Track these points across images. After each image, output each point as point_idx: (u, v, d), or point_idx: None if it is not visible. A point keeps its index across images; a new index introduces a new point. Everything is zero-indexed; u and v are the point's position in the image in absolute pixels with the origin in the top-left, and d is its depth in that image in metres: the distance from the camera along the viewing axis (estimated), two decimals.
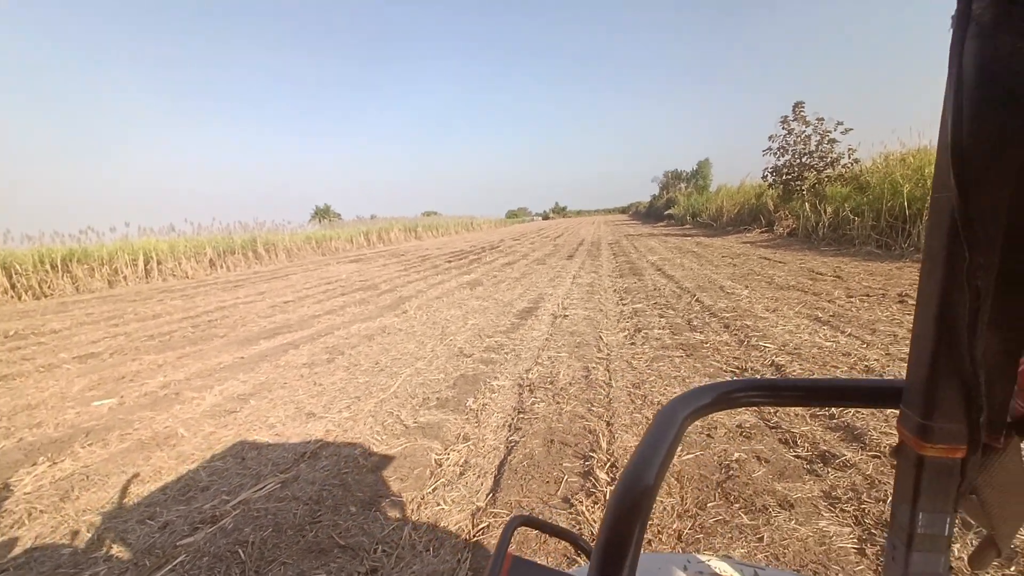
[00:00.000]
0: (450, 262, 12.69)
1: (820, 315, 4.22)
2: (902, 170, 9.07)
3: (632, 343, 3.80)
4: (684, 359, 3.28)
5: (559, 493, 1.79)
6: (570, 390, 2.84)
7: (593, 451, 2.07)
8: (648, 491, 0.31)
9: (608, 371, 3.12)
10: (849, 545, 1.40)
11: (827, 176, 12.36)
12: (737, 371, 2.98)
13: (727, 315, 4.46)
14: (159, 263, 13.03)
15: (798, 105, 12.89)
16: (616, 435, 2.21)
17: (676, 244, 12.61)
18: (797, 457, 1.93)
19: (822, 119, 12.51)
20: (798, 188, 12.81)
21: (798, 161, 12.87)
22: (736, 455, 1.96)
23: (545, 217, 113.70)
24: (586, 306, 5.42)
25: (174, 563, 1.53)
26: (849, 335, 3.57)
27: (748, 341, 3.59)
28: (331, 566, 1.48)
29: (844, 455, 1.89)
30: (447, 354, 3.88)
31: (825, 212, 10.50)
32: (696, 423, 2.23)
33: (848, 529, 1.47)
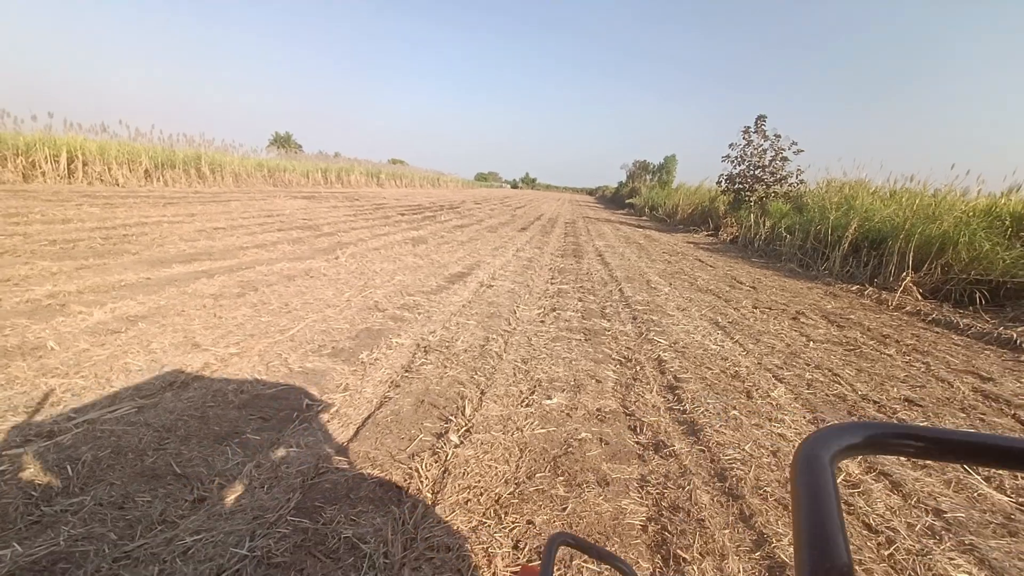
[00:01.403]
0: (403, 215, 12.45)
1: (720, 320, 4.53)
2: (837, 198, 9.65)
3: (542, 321, 3.95)
4: (581, 343, 3.46)
5: (408, 450, 1.90)
6: (462, 356, 2.96)
7: (455, 416, 2.20)
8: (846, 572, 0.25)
9: (505, 344, 3.26)
10: (636, 522, 1.60)
11: (774, 192, 12.94)
12: (623, 360, 3.19)
13: (640, 308, 4.71)
14: (85, 164, 11.98)
15: (760, 119, 13.29)
16: (483, 403, 2.35)
17: (626, 234, 12.92)
18: (636, 443, 2.14)
19: (779, 136, 12.99)
20: (747, 198, 13.36)
21: (751, 172, 13.37)
22: (583, 435, 2.15)
23: (514, 186, 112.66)
24: (516, 280, 5.53)
25: None
26: (736, 341, 3.87)
27: (647, 335, 3.83)
28: (159, 491, 1.53)
29: (674, 445, 2.11)
30: (361, 306, 3.89)
31: (764, 225, 11.06)
32: (562, 406, 2.40)
33: (644, 509, 1.67)
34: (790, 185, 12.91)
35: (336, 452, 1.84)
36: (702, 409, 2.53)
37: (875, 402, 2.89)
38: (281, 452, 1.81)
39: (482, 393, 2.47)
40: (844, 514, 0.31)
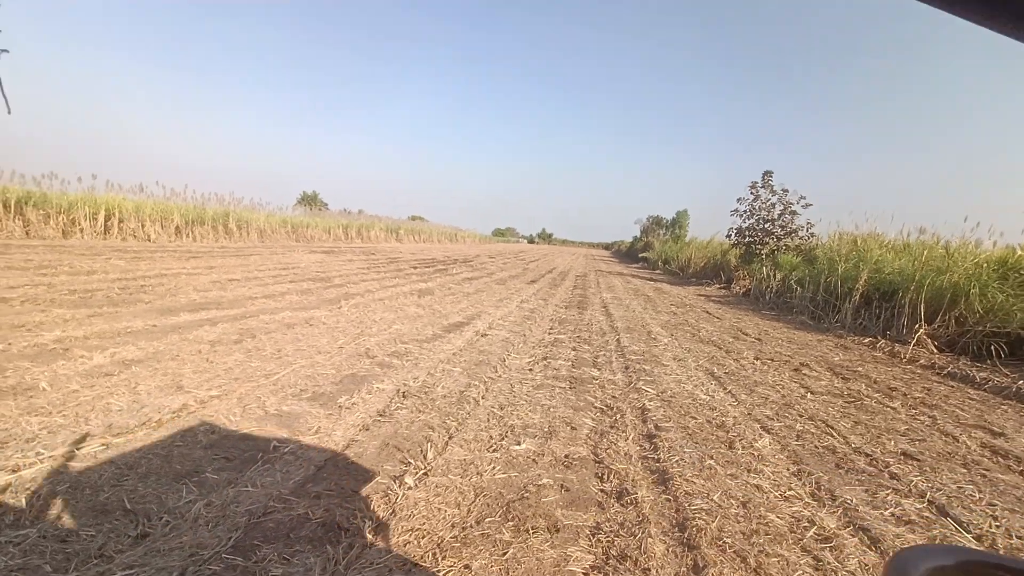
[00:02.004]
0: (415, 268, 12.77)
1: (716, 371, 4.44)
2: (847, 249, 9.58)
3: (530, 369, 3.94)
4: (564, 391, 3.43)
5: (361, 491, 1.89)
6: (438, 402, 2.96)
7: (416, 459, 2.19)
8: None
9: (486, 390, 3.26)
10: (579, 569, 1.54)
11: (785, 244, 12.93)
12: (604, 408, 3.14)
13: (634, 358, 4.66)
14: (121, 221, 12.81)
15: (767, 174, 13.54)
16: (448, 448, 2.33)
17: (636, 287, 12.94)
18: (600, 491, 2.08)
19: (787, 190, 13.17)
20: (758, 252, 13.35)
21: (761, 226, 13.45)
22: (544, 481, 2.10)
23: (531, 241, 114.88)
24: (513, 329, 5.56)
25: None
26: (728, 392, 3.78)
27: (635, 384, 3.77)
28: (104, 526, 1.55)
29: (638, 494, 2.04)
30: (352, 353, 3.97)
31: (775, 278, 10.96)
32: (530, 452, 2.37)
33: (591, 557, 1.61)
34: (800, 238, 12.90)
35: (290, 492, 1.85)
36: (677, 458, 2.45)
37: (867, 455, 2.75)
38: (234, 491, 1.82)
39: (449, 438, 2.45)
40: None
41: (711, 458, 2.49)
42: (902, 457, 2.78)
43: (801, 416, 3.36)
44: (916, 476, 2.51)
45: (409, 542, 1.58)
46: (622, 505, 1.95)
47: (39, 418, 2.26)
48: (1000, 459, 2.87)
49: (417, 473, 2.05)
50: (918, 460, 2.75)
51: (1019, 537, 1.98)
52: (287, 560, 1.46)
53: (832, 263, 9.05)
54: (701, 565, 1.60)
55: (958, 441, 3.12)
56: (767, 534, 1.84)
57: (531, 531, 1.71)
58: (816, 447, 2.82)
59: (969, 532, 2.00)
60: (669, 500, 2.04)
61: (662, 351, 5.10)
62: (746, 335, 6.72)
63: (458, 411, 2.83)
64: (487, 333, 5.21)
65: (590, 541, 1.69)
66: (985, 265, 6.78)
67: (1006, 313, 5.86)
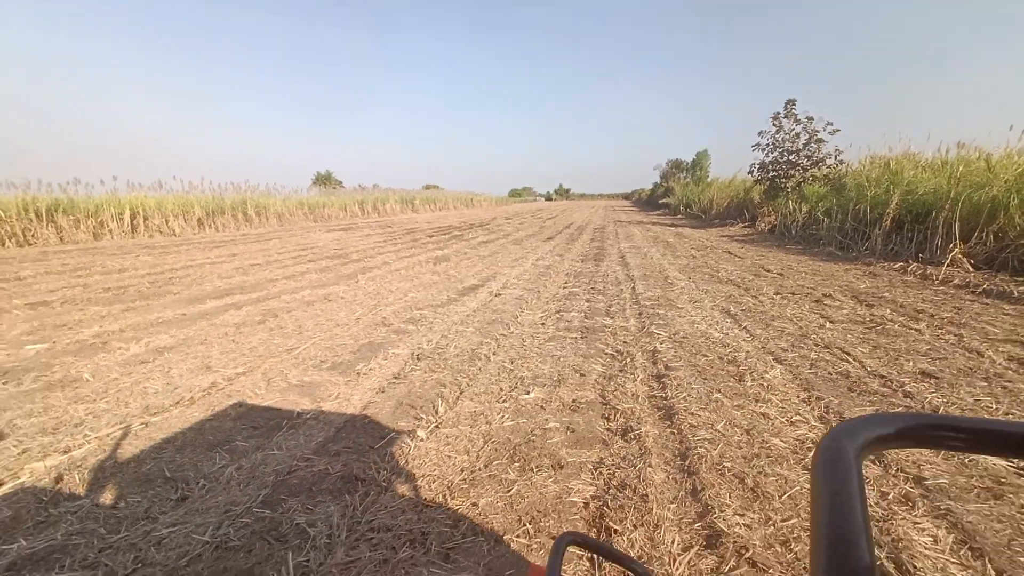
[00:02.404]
0: (431, 237, 12.84)
1: (732, 309, 4.39)
2: (877, 173, 9.09)
3: (542, 324, 4.00)
4: (576, 341, 3.48)
5: (376, 446, 2.01)
6: (451, 361, 3.06)
7: (429, 414, 2.30)
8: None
9: (497, 347, 3.34)
10: (579, 500, 1.62)
11: (812, 175, 12.33)
12: (615, 354, 3.19)
13: (648, 304, 4.65)
14: (145, 219, 13.26)
15: (790, 103, 12.76)
16: (460, 402, 2.43)
17: (656, 234, 12.69)
18: (606, 430, 2.15)
19: (811, 118, 12.41)
20: (783, 185, 12.79)
21: (785, 159, 12.82)
22: (551, 424, 2.18)
23: (548, 198, 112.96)
24: (527, 287, 5.60)
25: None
26: (743, 328, 3.76)
27: (648, 328, 3.79)
28: (148, 493, 1.72)
29: (642, 430, 2.10)
30: (369, 323, 4.10)
31: (800, 211, 10.55)
32: (538, 400, 2.45)
33: (592, 489, 1.69)
34: (828, 167, 12.26)
35: (312, 452, 1.99)
36: (684, 394, 2.49)
37: (882, 376, 2.72)
38: (262, 455, 1.97)
39: (460, 393, 2.55)
40: (870, 513, 0.25)
41: (719, 392, 2.52)
42: (920, 376, 2.74)
43: (817, 345, 3.32)
44: (932, 393, 2.48)
45: (420, 487, 1.70)
46: (626, 441, 2.02)
47: (84, 405, 2.46)
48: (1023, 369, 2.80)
49: (429, 427, 2.16)
50: (936, 378, 2.71)
51: None
52: (310, 510, 1.59)
53: (861, 189, 8.62)
54: (699, 488, 1.66)
55: (983, 356, 3.04)
56: (768, 457, 1.88)
57: (535, 470, 1.80)
58: (829, 373, 2.81)
59: None
60: (673, 433, 2.09)
61: (678, 295, 5.06)
62: (768, 271, 6.57)
63: (469, 368, 2.93)
64: (501, 293, 5.27)
65: (592, 475, 1.77)
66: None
67: None
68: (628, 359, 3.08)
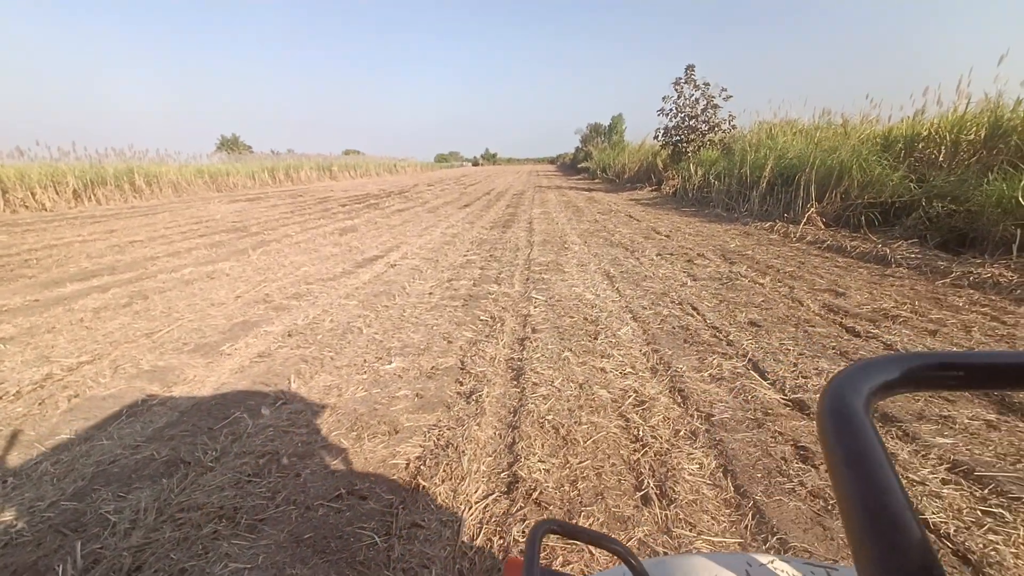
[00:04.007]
0: (344, 206, 12.29)
1: (612, 271, 4.70)
2: (758, 138, 9.86)
3: (430, 294, 4.05)
4: (455, 309, 3.58)
5: (214, 428, 2.00)
6: (321, 336, 3.05)
7: (280, 392, 2.31)
8: (905, 513, 0.21)
9: (376, 319, 3.36)
10: (401, 462, 1.74)
11: (709, 140, 13.12)
12: (489, 320, 3.33)
13: (538, 269, 4.84)
14: (5, 192, 11.49)
15: (689, 68, 13.33)
16: (316, 376, 2.46)
17: (570, 199, 13.01)
18: (455, 393, 2.28)
19: (708, 84, 13.08)
20: (685, 150, 13.52)
21: (686, 124, 13.49)
22: (402, 392, 2.28)
23: (475, 163, 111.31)
24: (427, 257, 5.60)
25: None
26: (615, 289, 4.05)
27: (528, 294, 3.97)
28: None
29: (486, 391, 2.26)
30: (249, 301, 3.94)
31: (696, 175, 11.25)
32: (398, 370, 2.52)
33: (418, 451, 1.82)
34: (724, 131, 13.08)
35: (145, 439, 1.94)
36: (538, 355, 2.68)
37: (715, 328, 3.09)
38: (87, 447, 1.90)
39: (321, 367, 2.58)
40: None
41: (570, 351, 2.74)
42: (747, 326, 3.14)
43: (673, 302, 3.67)
44: (748, 341, 2.86)
45: (247, 464, 1.73)
46: (467, 403, 2.17)
47: None
48: (828, 315, 3.29)
49: (275, 404, 2.17)
50: (759, 327, 3.12)
51: (803, 376, 2.36)
52: (122, 497, 1.58)
53: (744, 154, 9.34)
54: (516, 441, 1.84)
55: (803, 305, 3.53)
56: (590, 408, 2.11)
57: (369, 437, 1.90)
58: (673, 327, 3.13)
59: (766, 379, 2.35)
60: (516, 391, 2.27)
61: (568, 259, 5.31)
62: (658, 233, 7.03)
63: (339, 342, 2.94)
64: (397, 264, 5.24)
65: (424, 437, 1.90)
66: (869, 141, 7.18)
67: (881, 184, 6.34)
68: (499, 324, 3.23)
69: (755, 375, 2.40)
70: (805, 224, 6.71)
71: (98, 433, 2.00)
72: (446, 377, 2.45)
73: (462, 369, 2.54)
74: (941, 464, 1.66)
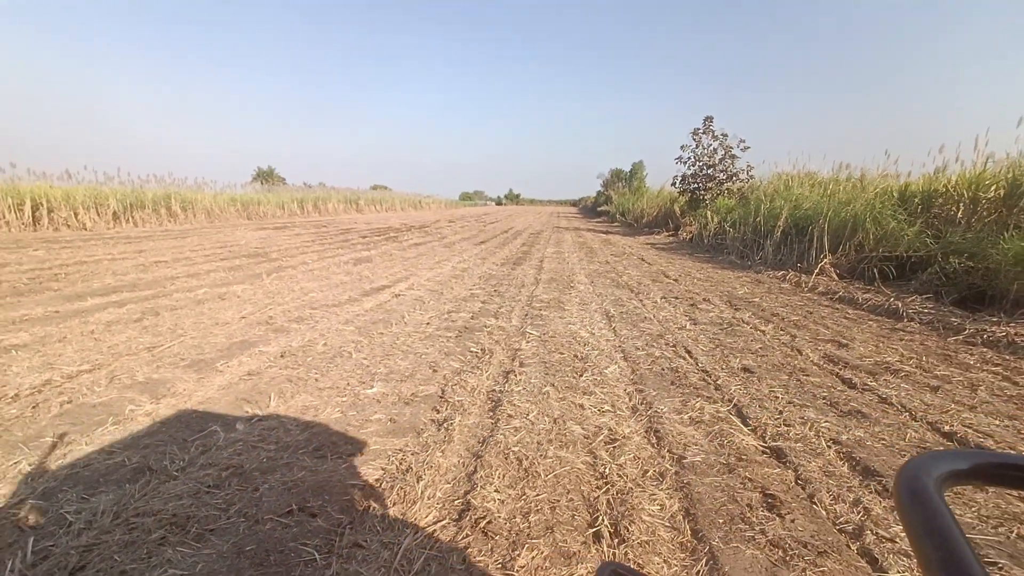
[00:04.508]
0: (364, 237, 12.67)
1: (612, 311, 4.69)
2: (772, 188, 9.90)
3: (427, 324, 4.11)
4: (448, 340, 3.62)
5: (190, 439, 2.05)
6: (312, 359, 3.11)
7: (259, 409, 2.35)
8: None
9: (368, 344, 3.42)
10: (359, 483, 1.74)
11: (727, 188, 13.22)
12: (479, 352, 3.35)
13: (539, 306, 4.87)
14: (51, 211, 12.27)
15: (708, 119, 13.64)
16: (296, 395, 2.50)
17: (585, 240, 13.15)
18: (430, 420, 2.28)
19: (726, 135, 13.32)
20: (702, 197, 13.63)
21: (704, 172, 13.68)
22: (376, 416, 2.30)
23: (498, 203, 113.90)
24: (433, 289, 5.70)
25: None
26: (611, 328, 4.04)
27: (524, 328, 3.98)
28: None
29: (459, 420, 2.26)
30: (253, 322, 4.06)
31: (713, 222, 11.29)
32: (379, 394, 2.55)
33: (378, 473, 1.82)
34: (741, 180, 13.20)
35: (123, 446, 2.00)
36: (519, 388, 2.68)
37: (706, 372, 3.04)
38: (66, 451, 1.96)
39: (303, 387, 2.62)
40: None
41: (552, 385, 2.73)
42: (739, 371, 3.08)
43: (667, 344, 3.63)
44: (737, 386, 2.80)
45: (208, 475, 1.76)
46: (438, 429, 2.17)
47: None
48: (827, 365, 3.21)
49: (252, 420, 2.22)
50: (751, 372, 3.05)
51: (786, 424, 2.28)
52: (85, 499, 1.62)
53: (759, 203, 9.37)
54: (476, 469, 1.83)
55: (801, 354, 3.45)
56: (560, 443, 2.08)
57: (333, 457, 1.91)
58: (663, 369, 3.09)
59: (747, 425, 2.29)
60: (489, 422, 2.26)
61: (571, 298, 5.33)
62: (667, 277, 7.02)
63: (327, 365, 3.00)
64: (402, 294, 5.34)
65: (387, 460, 1.90)
66: (884, 195, 7.14)
67: (896, 238, 6.26)
68: (488, 356, 3.25)
69: (736, 420, 2.34)
70: (818, 274, 6.61)
71: (79, 438, 2.07)
72: (423, 404, 2.46)
73: (441, 397, 2.55)
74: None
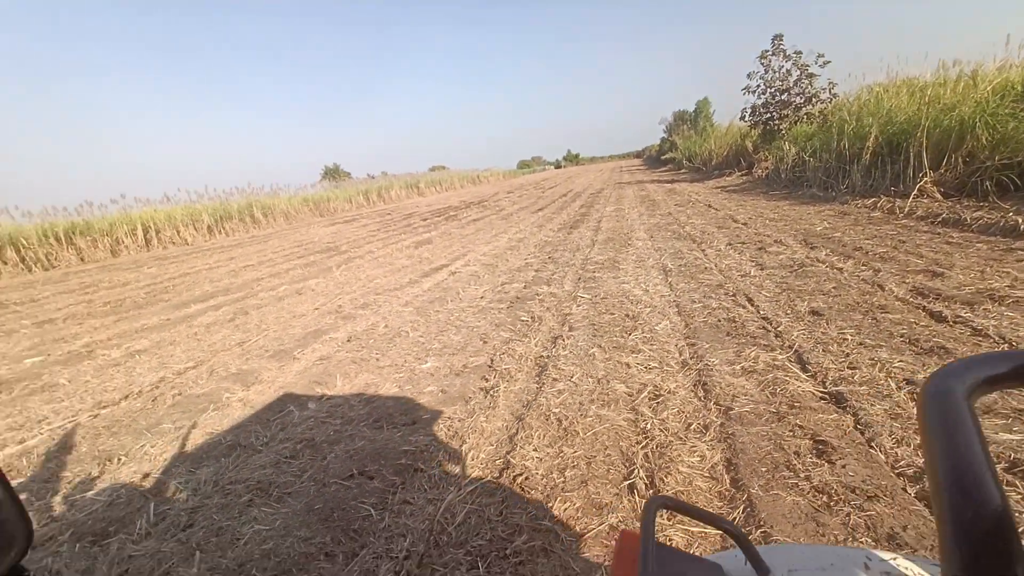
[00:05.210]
0: (425, 220, 13.09)
1: (670, 265, 4.52)
2: (859, 105, 8.74)
3: (481, 297, 4.23)
4: (500, 311, 3.71)
5: (270, 417, 2.34)
6: (374, 340, 3.36)
7: (325, 387, 2.61)
8: (999, 506, 0.21)
9: (425, 323, 3.61)
10: (410, 448, 1.90)
11: (805, 114, 11.89)
12: (529, 320, 3.40)
13: (592, 268, 4.81)
14: (158, 232, 14.00)
15: (777, 38, 12.22)
16: (359, 374, 2.73)
17: (648, 193, 12.58)
18: (479, 389, 2.40)
19: (800, 52, 11.87)
20: (777, 128, 12.38)
21: (777, 99, 12.36)
22: (428, 388, 2.45)
23: (557, 166, 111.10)
24: (488, 263, 5.82)
25: None
26: (668, 283, 3.90)
27: (576, 293, 3.97)
28: (75, 469, 2.09)
29: (505, 386, 2.35)
30: (324, 312, 4.43)
31: (789, 153, 10.25)
32: (432, 368, 2.71)
33: (427, 439, 1.96)
34: (822, 102, 11.77)
35: (226, 429, 2.33)
36: (566, 352, 2.71)
37: (766, 319, 2.86)
38: (179, 434, 2.32)
39: (365, 367, 2.85)
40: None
41: (598, 347, 2.73)
42: (805, 315, 2.86)
43: (727, 294, 3.45)
44: (800, 331, 2.61)
45: (287, 447, 2.01)
46: (485, 397, 2.27)
47: (52, 404, 2.88)
48: (914, 299, 2.88)
49: (321, 399, 2.47)
50: (819, 315, 2.83)
51: (851, 367, 2.11)
52: (191, 472, 1.93)
53: (842, 124, 8.34)
54: (516, 431, 1.91)
55: (883, 290, 3.12)
56: (602, 401, 2.10)
57: (390, 427, 2.09)
58: (719, 320, 2.96)
59: (806, 371, 2.15)
60: (535, 387, 2.33)
61: (627, 256, 5.19)
62: (735, 222, 6.57)
63: (387, 345, 3.22)
64: (459, 271, 5.51)
65: (436, 427, 2.04)
66: (1002, 91, 6.03)
67: (1018, 141, 5.31)
68: (537, 324, 3.30)
69: (793, 367, 2.20)
70: (917, 197, 5.82)
71: (187, 423, 2.44)
72: (473, 375, 2.58)
73: (490, 367, 2.66)
74: (999, 462, 1.41)
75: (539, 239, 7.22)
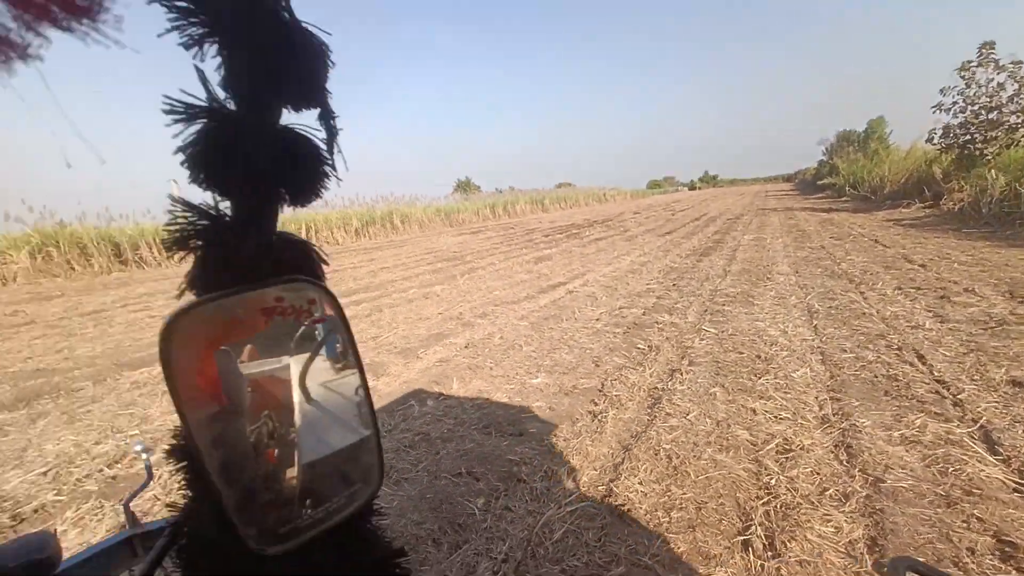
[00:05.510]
0: (547, 236, 13.39)
1: (818, 306, 4.03)
2: None
3: (597, 319, 4.20)
4: (615, 336, 3.64)
5: (396, 409, 2.59)
6: (490, 349, 3.52)
7: (442, 389, 2.80)
8: None
9: (539, 338, 3.69)
10: (515, 458, 1.95)
11: (1022, 136, 9.70)
12: (646, 349, 3.28)
13: (721, 301, 4.47)
14: (316, 232, 16.42)
15: (986, 46, 10.19)
16: (472, 380, 2.88)
17: (797, 222, 11.31)
18: (586, 412, 2.39)
19: (1021, 63, 9.73)
20: (980, 152, 10.27)
21: (982, 118, 10.27)
22: (537, 403, 2.50)
23: (691, 187, 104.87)
24: (607, 284, 5.76)
25: None
26: (812, 327, 3.48)
27: (699, 325, 3.73)
28: None
29: (614, 414, 2.30)
30: (447, 316, 4.78)
31: (997, 183, 8.42)
32: (542, 384, 2.78)
33: (532, 453, 2.00)
34: None
35: None
36: (684, 387, 2.56)
37: (941, 383, 2.39)
38: None
39: (479, 374, 3.00)
40: None
41: (721, 386, 2.52)
42: (1001, 385, 2.33)
43: (889, 347, 2.95)
44: (992, 403, 2.13)
45: (406, 437, 2.20)
46: (592, 420, 2.25)
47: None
48: None
49: (439, 398, 2.66)
50: (1022, 388, 2.28)
51: None
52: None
53: None
54: (622, 460, 1.85)
55: None
56: (719, 445, 1.94)
57: (498, 435, 2.17)
58: (875, 376, 2.55)
59: (995, 453, 1.74)
60: (646, 418, 2.24)
61: (765, 291, 4.73)
62: (909, 262, 5.59)
63: (501, 356, 3.35)
64: (576, 290, 5.53)
65: (541, 442, 2.07)
66: None
67: None
68: (654, 353, 3.17)
69: (976, 445, 1.80)
70: None
71: None
72: (582, 397, 2.57)
73: (600, 391, 2.62)
74: None
75: (664, 264, 6.92)
